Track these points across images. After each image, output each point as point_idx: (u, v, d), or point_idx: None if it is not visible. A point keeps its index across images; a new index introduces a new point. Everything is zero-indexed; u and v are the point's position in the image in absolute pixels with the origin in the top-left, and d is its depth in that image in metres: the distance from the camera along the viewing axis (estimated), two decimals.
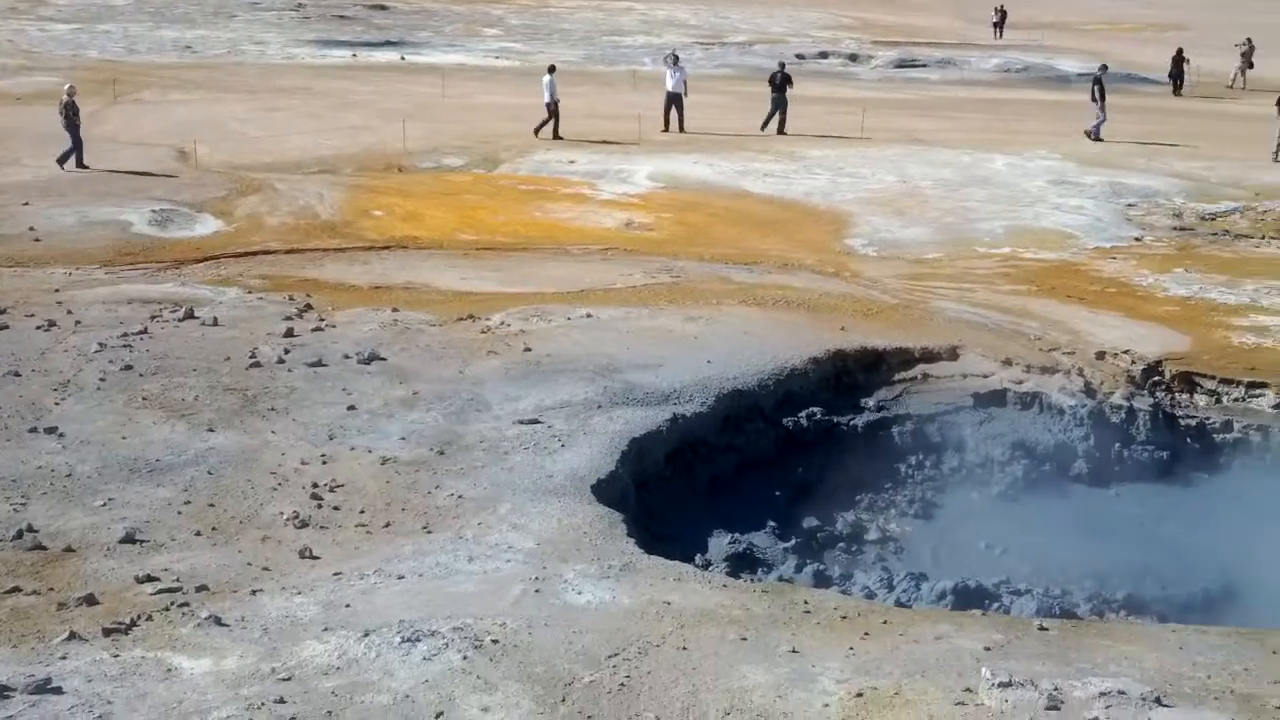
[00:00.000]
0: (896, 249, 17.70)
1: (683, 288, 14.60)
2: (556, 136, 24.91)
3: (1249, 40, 37.81)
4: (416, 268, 15.33)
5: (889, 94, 27.52)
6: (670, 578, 7.18)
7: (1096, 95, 26.59)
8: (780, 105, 26.32)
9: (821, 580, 9.55)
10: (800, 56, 39.76)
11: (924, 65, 39.06)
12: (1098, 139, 26.28)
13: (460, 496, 8.46)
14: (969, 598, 9.27)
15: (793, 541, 10.17)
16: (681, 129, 26.18)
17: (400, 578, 7.23)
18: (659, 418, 10.49)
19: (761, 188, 21.32)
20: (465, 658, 6.15)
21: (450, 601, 6.83)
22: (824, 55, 40.67)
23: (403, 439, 9.54)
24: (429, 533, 7.89)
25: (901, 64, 39.83)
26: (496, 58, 38.68)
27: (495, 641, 6.30)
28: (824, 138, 25.94)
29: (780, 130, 26.26)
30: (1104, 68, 27.51)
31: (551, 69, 25.81)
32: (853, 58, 39.85)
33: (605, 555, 7.52)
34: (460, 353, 11.62)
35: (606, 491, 8.96)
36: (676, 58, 27.38)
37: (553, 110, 24.99)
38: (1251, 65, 37.37)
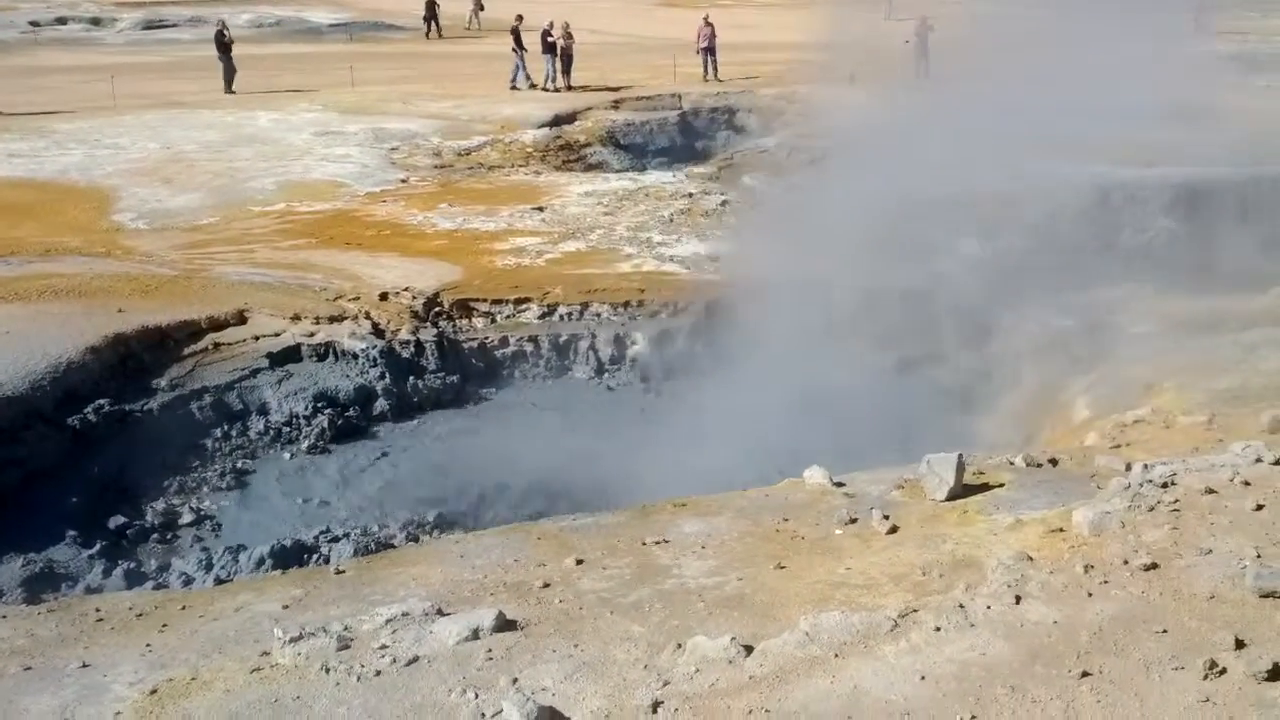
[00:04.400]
0: (169, 219, 17.00)
1: None
2: None
3: None
4: None
5: (140, 57, 26.04)
6: None
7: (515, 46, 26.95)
8: (229, 66, 26.22)
9: (136, 578, 9.11)
10: (35, 24, 36.37)
11: (174, 25, 37.49)
12: (543, 88, 26.91)
13: None
14: (289, 557, 9.38)
15: (98, 546, 9.57)
16: None
17: None
18: None
19: (8, 170, 19.37)
20: None
21: None
22: (63, 21, 37.49)
23: None
24: None
25: (149, 25, 37.96)
26: None
27: None
28: (76, 111, 23.99)
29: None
30: (520, 17, 27.77)
31: None
32: (95, 22, 37.10)
33: None
34: None
35: None
36: None
37: None
38: (483, 8, 40.55)
